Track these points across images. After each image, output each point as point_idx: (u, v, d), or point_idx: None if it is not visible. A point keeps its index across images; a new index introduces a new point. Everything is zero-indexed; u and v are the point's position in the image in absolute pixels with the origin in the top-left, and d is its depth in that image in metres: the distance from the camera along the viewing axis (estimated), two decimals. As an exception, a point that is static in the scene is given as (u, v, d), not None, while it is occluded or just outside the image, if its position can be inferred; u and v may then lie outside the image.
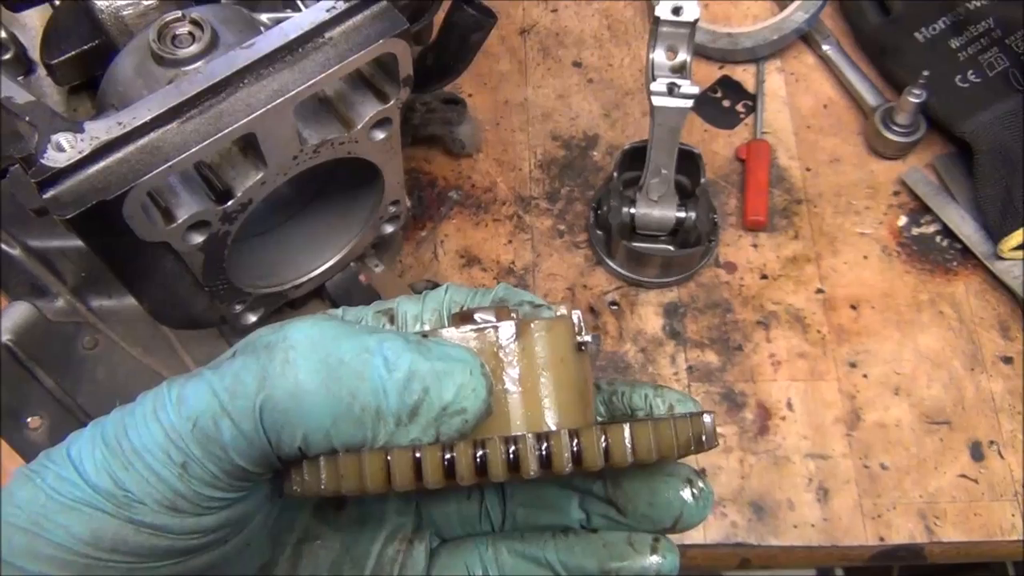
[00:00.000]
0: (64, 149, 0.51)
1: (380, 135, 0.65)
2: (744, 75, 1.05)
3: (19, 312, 0.79)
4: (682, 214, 0.88)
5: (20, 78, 0.71)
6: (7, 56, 0.71)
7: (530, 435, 0.35)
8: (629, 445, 0.36)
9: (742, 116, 1.03)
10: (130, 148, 0.53)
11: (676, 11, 0.76)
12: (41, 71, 0.70)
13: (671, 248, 0.91)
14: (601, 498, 0.45)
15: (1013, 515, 0.80)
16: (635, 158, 0.90)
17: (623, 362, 0.88)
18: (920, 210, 0.96)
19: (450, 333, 0.41)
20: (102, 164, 0.52)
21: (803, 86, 1.04)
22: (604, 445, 0.36)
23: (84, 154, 0.51)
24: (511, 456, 0.35)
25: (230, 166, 0.59)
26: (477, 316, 0.42)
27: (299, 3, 0.68)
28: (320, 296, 0.81)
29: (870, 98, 1.00)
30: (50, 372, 0.78)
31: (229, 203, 0.59)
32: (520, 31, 1.09)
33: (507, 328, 0.40)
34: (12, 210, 0.78)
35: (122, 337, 0.80)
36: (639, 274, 0.91)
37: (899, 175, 0.97)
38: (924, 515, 0.80)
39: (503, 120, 1.02)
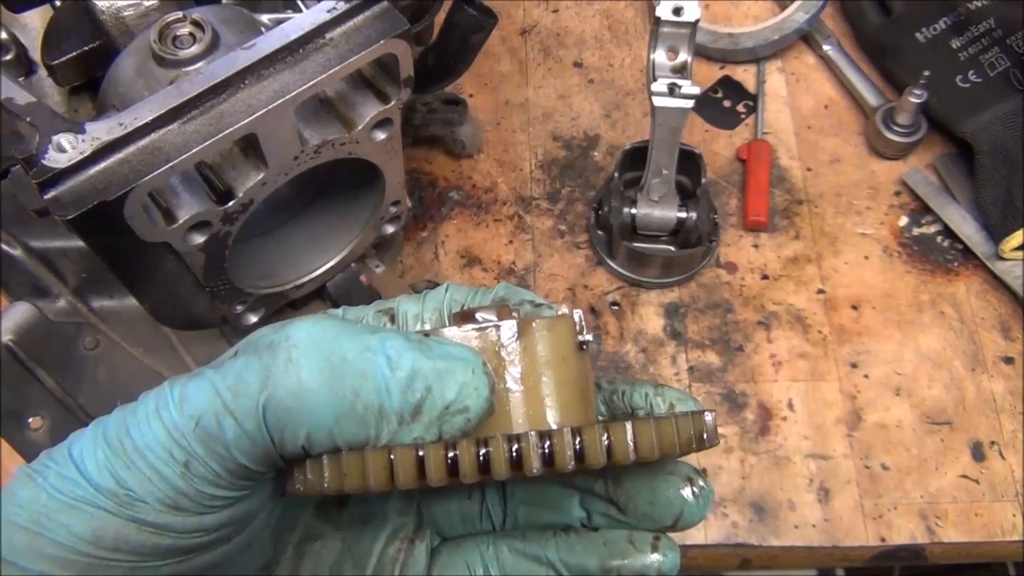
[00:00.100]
0: (65, 150, 0.51)
1: (381, 135, 0.65)
2: (745, 75, 1.05)
3: (20, 312, 0.79)
4: (683, 214, 0.88)
5: (21, 79, 0.71)
6: (8, 57, 0.71)
7: (533, 433, 0.35)
8: (631, 443, 0.36)
9: (743, 116, 1.03)
10: (131, 149, 0.53)
11: (677, 11, 0.76)
12: (42, 72, 0.70)
13: (672, 248, 0.91)
14: (602, 497, 0.45)
15: (1014, 515, 0.80)
16: (636, 158, 0.90)
17: (624, 362, 0.88)
18: (921, 210, 0.96)
19: (452, 332, 0.41)
20: (103, 165, 0.52)
21: (804, 86, 1.04)
22: (607, 443, 0.36)
23: (85, 155, 0.51)
24: (514, 454, 0.35)
25: (231, 166, 0.60)
26: (478, 315, 0.42)
27: (300, 4, 0.68)
28: (321, 296, 0.81)
29: (871, 98, 1.00)
30: (51, 372, 0.78)
31: (230, 203, 0.59)
32: (521, 31, 1.09)
33: (508, 327, 0.41)
34: (13, 211, 0.78)
35: (123, 337, 0.81)
36: (640, 274, 0.91)
37: (900, 175, 0.97)
38: (925, 515, 0.80)
39: (504, 120, 1.02)
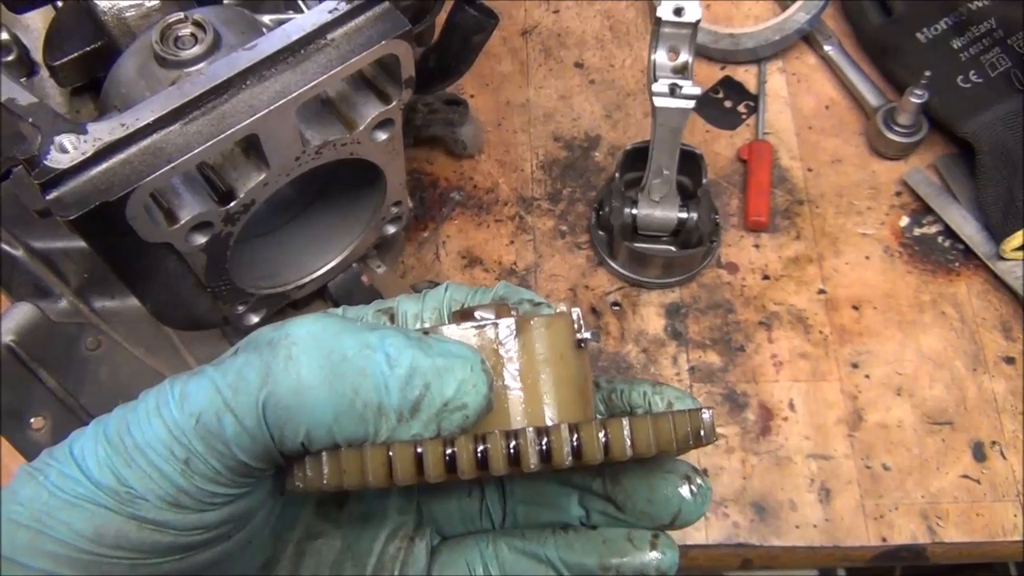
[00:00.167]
0: (67, 150, 0.51)
1: (382, 136, 0.66)
2: (746, 76, 1.05)
3: (22, 313, 0.79)
4: (684, 215, 0.88)
5: (23, 80, 0.71)
6: (10, 58, 0.71)
7: (530, 429, 0.36)
8: (628, 439, 0.36)
9: (744, 117, 1.03)
10: (133, 149, 0.53)
11: (678, 12, 0.76)
12: (44, 72, 0.70)
13: (673, 249, 0.91)
14: (600, 495, 0.45)
15: (1015, 515, 0.80)
16: (637, 159, 0.90)
17: (625, 362, 0.88)
18: (922, 210, 0.96)
19: (451, 330, 0.41)
20: (105, 165, 0.52)
21: (805, 87, 1.04)
22: (604, 440, 0.36)
23: (87, 155, 0.51)
24: (512, 450, 0.35)
25: (232, 167, 0.60)
26: (477, 313, 0.42)
27: (301, 4, 0.68)
28: (322, 297, 0.81)
29: (872, 98, 1.00)
30: (53, 373, 0.79)
31: (232, 204, 0.59)
32: (522, 32, 1.09)
33: (507, 325, 0.41)
34: (15, 211, 0.78)
35: (125, 338, 0.81)
36: (641, 275, 0.91)
37: (901, 175, 0.98)
38: (926, 515, 0.80)
39: (505, 121, 1.02)
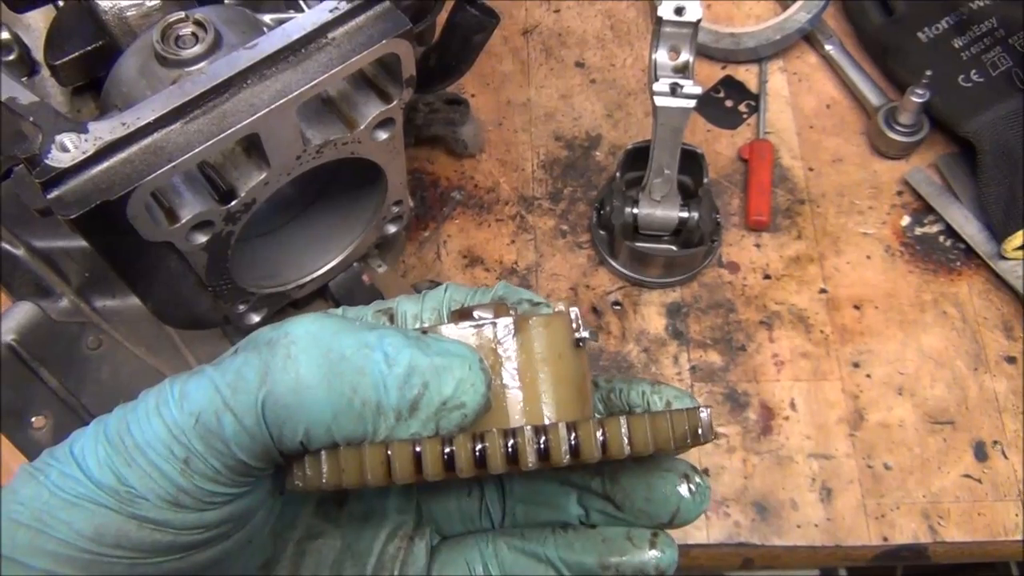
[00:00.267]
0: (68, 149, 0.51)
1: (383, 135, 0.66)
2: (747, 75, 1.05)
3: (23, 312, 0.79)
4: (685, 214, 0.88)
5: (24, 79, 0.71)
6: (11, 57, 0.71)
7: (528, 428, 0.36)
8: (626, 437, 0.36)
9: (745, 116, 1.03)
10: (134, 148, 0.53)
11: (679, 11, 0.76)
12: (45, 72, 0.70)
13: (674, 248, 0.91)
14: (599, 494, 0.45)
15: (1017, 515, 0.80)
16: (638, 158, 0.90)
17: (626, 362, 0.88)
18: (923, 210, 0.96)
19: (449, 329, 0.41)
20: (106, 164, 0.52)
21: (806, 86, 1.04)
22: (601, 438, 0.36)
23: (88, 154, 0.51)
24: (510, 449, 0.36)
25: (233, 166, 0.60)
26: (476, 313, 0.42)
27: (302, 4, 0.68)
28: (323, 296, 0.81)
29: (873, 98, 1.00)
30: (54, 372, 0.79)
31: (232, 203, 0.59)
32: (523, 31, 1.09)
33: (505, 324, 0.41)
34: (16, 210, 0.78)
35: (126, 337, 0.81)
36: (642, 274, 0.91)
37: (902, 175, 0.97)
38: (928, 515, 0.80)
39: (506, 120, 1.02)
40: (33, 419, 0.78)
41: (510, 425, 0.39)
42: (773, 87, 1.04)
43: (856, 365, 0.87)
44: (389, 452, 0.36)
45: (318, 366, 0.36)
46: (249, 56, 0.56)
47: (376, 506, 0.47)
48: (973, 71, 0.96)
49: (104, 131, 0.52)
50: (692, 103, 0.79)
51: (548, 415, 0.41)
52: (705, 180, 0.89)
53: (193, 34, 0.61)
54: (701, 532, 0.80)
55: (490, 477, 0.46)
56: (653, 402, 0.46)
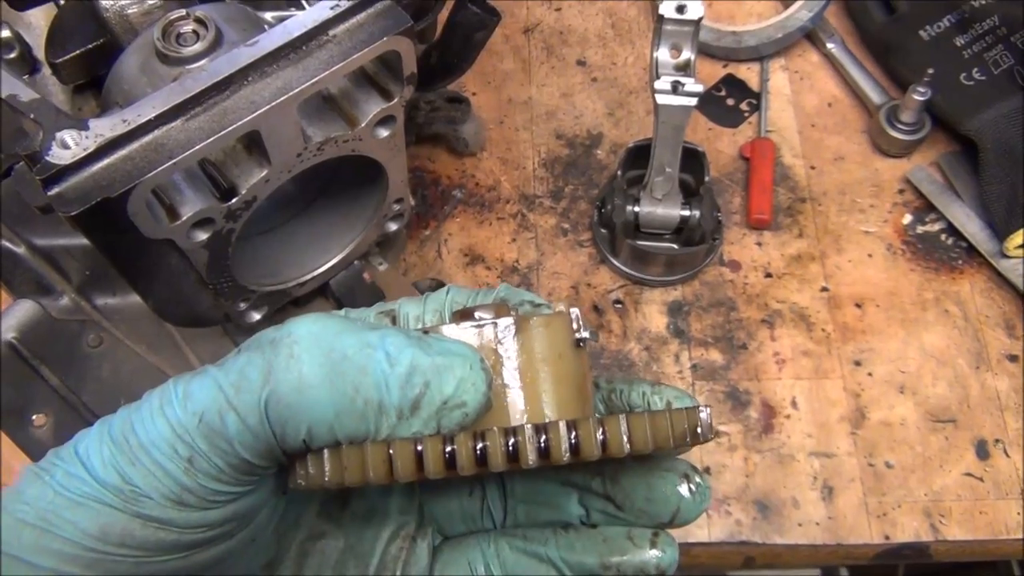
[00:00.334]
0: (69, 146, 0.51)
1: (384, 133, 0.65)
2: (748, 73, 1.05)
3: (24, 310, 0.79)
4: (686, 212, 0.88)
5: (25, 77, 0.71)
6: (12, 55, 0.71)
7: (529, 426, 0.36)
8: (625, 436, 0.37)
9: (746, 114, 1.02)
10: (134, 145, 0.53)
11: (680, 9, 0.76)
12: (46, 70, 0.70)
13: (675, 246, 0.91)
14: (600, 494, 0.46)
15: (1018, 514, 0.80)
16: (639, 156, 0.90)
17: (627, 360, 0.88)
18: (925, 208, 0.95)
19: (450, 330, 0.41)
20: (106, 161, 0.52)
21: (807, 84, 1.04)
22: (601, 436, 0.36)
23: (88, 151, 0.51)
24: (510, 447, 0.36)
25: (234, 164, 0.60)
26: (477, 313, 0.42)
27: (303, 1, 0.68)
28: (324, 294, 0.81)
29: (875, 96, 1.00)
30: (55, 370, 0.79)
31: (233, 200, 0.59)
32: (524, 30, 1.09)
33: (506, 324, 0.41)
34: (17, 208, 0.78)
35: (127, 335, 0.81)
36: (643, 272, 0.91)
37: (904, 173, 0.97)
38: (929, 513, 0.80)
39: (507, 119, 1.02)
40: (33, 417, 0.78)
41: (511, 424, 0.40)
42: (775, 85, 1.04)
43: (858, 363, 0.87)
44: (391, 450, 0.36)
45: (321, 365, 0.37)
46: (250, 53, 0.56)
47: (378, 506, 0.47)
48: (975, 69, 0.96)
49: (105, 128, 0.52)
50: (693, 101, 0.79)
51: (548, 414, 0.41)
52: (706, 178, 0.89)
53: (194, 31, 0.61)
54: (702, 531, 0.80)
55: (491, 476, 0.46)
56: (654, 403, 0.46)
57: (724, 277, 0.92)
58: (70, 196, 0.51)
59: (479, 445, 0.36)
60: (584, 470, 0.46)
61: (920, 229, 0.94)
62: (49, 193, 0.51)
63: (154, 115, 0.53)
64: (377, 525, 0.46)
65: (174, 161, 0.52)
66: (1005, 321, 0.89)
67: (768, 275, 0.92)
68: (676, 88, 0.79)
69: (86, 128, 0.52)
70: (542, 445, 0.36)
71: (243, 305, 0.72)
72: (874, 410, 0.85)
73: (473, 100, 0.98)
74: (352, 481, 0.36)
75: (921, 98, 0.93)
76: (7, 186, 0.57)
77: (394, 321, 0.46)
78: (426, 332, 0.41)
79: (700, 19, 0.77)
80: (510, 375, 0.41)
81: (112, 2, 0.64)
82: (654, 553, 0.43)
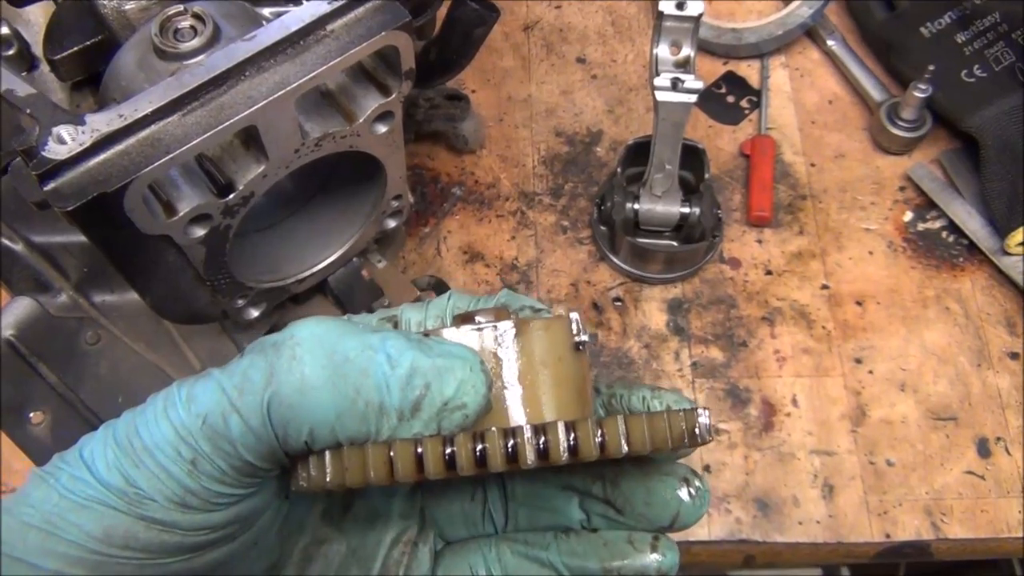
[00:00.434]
0: (65, 141, 0.51)
1: (382, 128, 0.65)
2: (748, 71, 1.05)
3: (21, 307, 0.79)
4: (686, 210, 0.88)
5: (23, 74, 0.71)
6: (10, 52, 0.71)
7: (528, 427, 0.36)
8: (623, 436, 0.37)
9: (746, 112, 1.02)
10: (131, 140, 0.52)
11: (680, 6, 0.76)
12: (44, 67, 0.70)
13: (675, 244, 0.91)
14: (600, 498, 0.46)
15: (1020, 512, 0.79)
16: (639, 154, 0.90)
17: (627, 358, 0.88)
18: (926, 205, 0.95)
19: (451, 332, 0.42)
20: (103, 156, 0.52)
21: (808, 82, 1.04)
22: (600, 437, 0.37)
23: (85, 146, 0.51)
24: (509, 448, 0.36)
25: (231, 159, 0.59)
26: (477, 317, 0.43)
27: (301, -3, 0.68)
28: (323, 291, 0.81)
29: (875, 93, 1.00)
30: (52, 367, 0.78)
31: (231, 196, 0.59)
32: (524, 27, 1.08)
33: (506, 327, 0.41)
34: (15, 205, 0.78)
35: (124, 332, 0.80)
36: (643, 270, 0.91)
37: (905, 170, 0.97)
38: (930, 512, 0.80)
39: (506, 116, 1.02)
40: (31, 414, 0.77)
41: (510, 426, 0.40)
42: (775, 83, 1.04)
43: (858, 361, 0.87)
44: (392, 452, 0.36)
45: (322, 367, 0.37)
46: (247, 48, 0.55)
47: (381, 511, 0.47)
48: (976, 66, 0.95)
49: (101, 123, 0.52)
50: (693, 98, 0.79)
51: (548, 416, 0.41)
52: (706, 176, 0.89)
53: (192, 27, 0.60)
54: (703, 529, 0.80)
55: (492, 478, 0.46)
56: (653, 407, 0.47)
57: (724, 274, 0.92)
58: (66, 191, 0.51)
59: (479, 446, 0.36)
60: (584, 474, 0.46)
61: (921, 226, 0.94)
62: (45, 188, 0.51)
63: (151, 110, 0.52)
64: (379, 529, 0.47)
65: (171, 156, 0.52)
66: (1006, 318, 0.89)
67: (768, 272, 0.92)
68: (676, 85, 0.78)
69: (82, 123, 0.52)
70: (541, 446, 0.36)
71: (241, 302, 0.72)
72: (875, 408, 0.85)
73: (472, 97, 0.98)
74: (353, 482, 0.37)
75: (922, 95, 0.93)
76: (5, 183, 0.56)
77: (396, 326, 0.46)
78: (427, 335, 0.41)
79: (700, 16, 0.76)
80: (510, 378, 0.41)
81: (110, -2, 0.64)
82: (654, 557, 0.44)
